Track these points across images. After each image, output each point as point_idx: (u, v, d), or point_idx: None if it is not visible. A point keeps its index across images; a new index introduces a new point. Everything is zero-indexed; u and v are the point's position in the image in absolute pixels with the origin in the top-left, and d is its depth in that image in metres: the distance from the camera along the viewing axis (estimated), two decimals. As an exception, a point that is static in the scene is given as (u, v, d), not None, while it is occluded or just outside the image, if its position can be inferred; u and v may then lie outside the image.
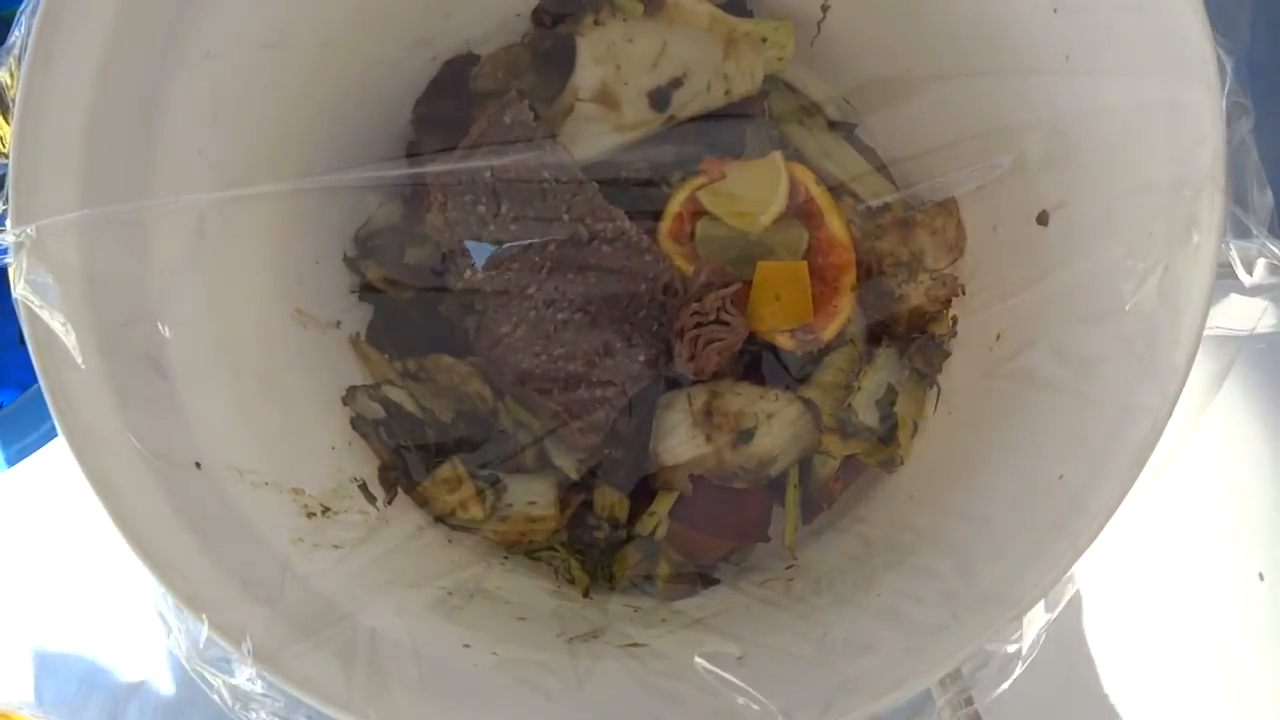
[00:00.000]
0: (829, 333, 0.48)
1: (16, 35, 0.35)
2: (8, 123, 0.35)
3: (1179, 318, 0.35)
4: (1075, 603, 0.37)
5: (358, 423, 0.49)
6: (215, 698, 0.36)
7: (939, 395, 0.50)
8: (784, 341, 0.48)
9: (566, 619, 0.47)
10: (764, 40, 0.49)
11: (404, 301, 0.53)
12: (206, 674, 0.36)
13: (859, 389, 0.48)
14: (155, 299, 0.40)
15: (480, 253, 0.47)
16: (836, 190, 0.50)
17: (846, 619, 0.41)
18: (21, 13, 0.35)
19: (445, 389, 0.51)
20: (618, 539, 0.50)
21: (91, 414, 0.35)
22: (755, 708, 0.35)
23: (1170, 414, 0.35)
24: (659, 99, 0.49)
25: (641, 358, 0.47)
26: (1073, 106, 0.39)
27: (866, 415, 0.47)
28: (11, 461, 0.54)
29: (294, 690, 0.35)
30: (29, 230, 0.35)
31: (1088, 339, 0.39)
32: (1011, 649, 0.36)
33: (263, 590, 0.38)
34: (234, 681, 0.36)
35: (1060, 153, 0.41)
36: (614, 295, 0.47)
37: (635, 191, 0.50)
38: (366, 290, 0.53)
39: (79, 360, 0.35)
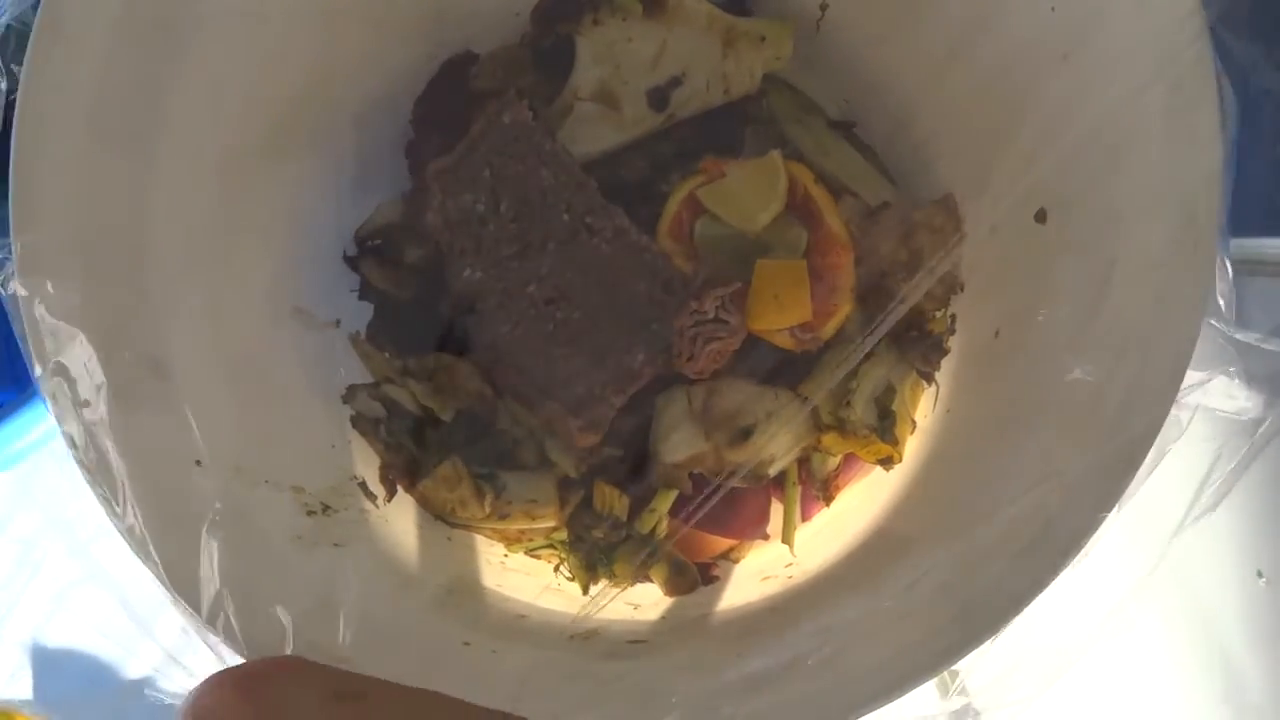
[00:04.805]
0: (828, 331, 0.48)
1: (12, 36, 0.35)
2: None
3: (1176, 317, 0.35)
4: (1074, 602, 0.37)
5: (358, 421, 0.49)
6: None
7: (938, 393, 0.50)
8: (783, 340, 0.48)
9: (566, 617, 0.47)
10: (763, 39, 0.49)
11: (404, 300, 0.53)
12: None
13: (857, 387, 0.48)
14: (155, 299, 0.40)
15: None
16: (836, 189, 0.50)
17: (846, 618, 0.41)
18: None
19: (445, 387, 0.51)
20: (617, 537, 0.50)
21: (91, 414, 0.36)
22: (753, 708, 0.35)
23: (1167, 413, 0.35)
24: (658, 98, 0.49)
25: (641, 357, 0.47)
26: (1071, 105, 0.39)
27: (865, 413, 0.47)
28: (11, 462, 0.54)
29: (294, 689, 0.35)
30: (30, 231, 0.35)
31: (1086, 338, 0.39)
32: (1011, 648, 0.36)
33: (263, 589, 0.38)
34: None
35: (1059, 151, 0.41)
36: (613, 294, 0.47)
37: (635, 191, 0.50)
38: (366, 289, 0.53)
39: (80, 360, 0.35)
